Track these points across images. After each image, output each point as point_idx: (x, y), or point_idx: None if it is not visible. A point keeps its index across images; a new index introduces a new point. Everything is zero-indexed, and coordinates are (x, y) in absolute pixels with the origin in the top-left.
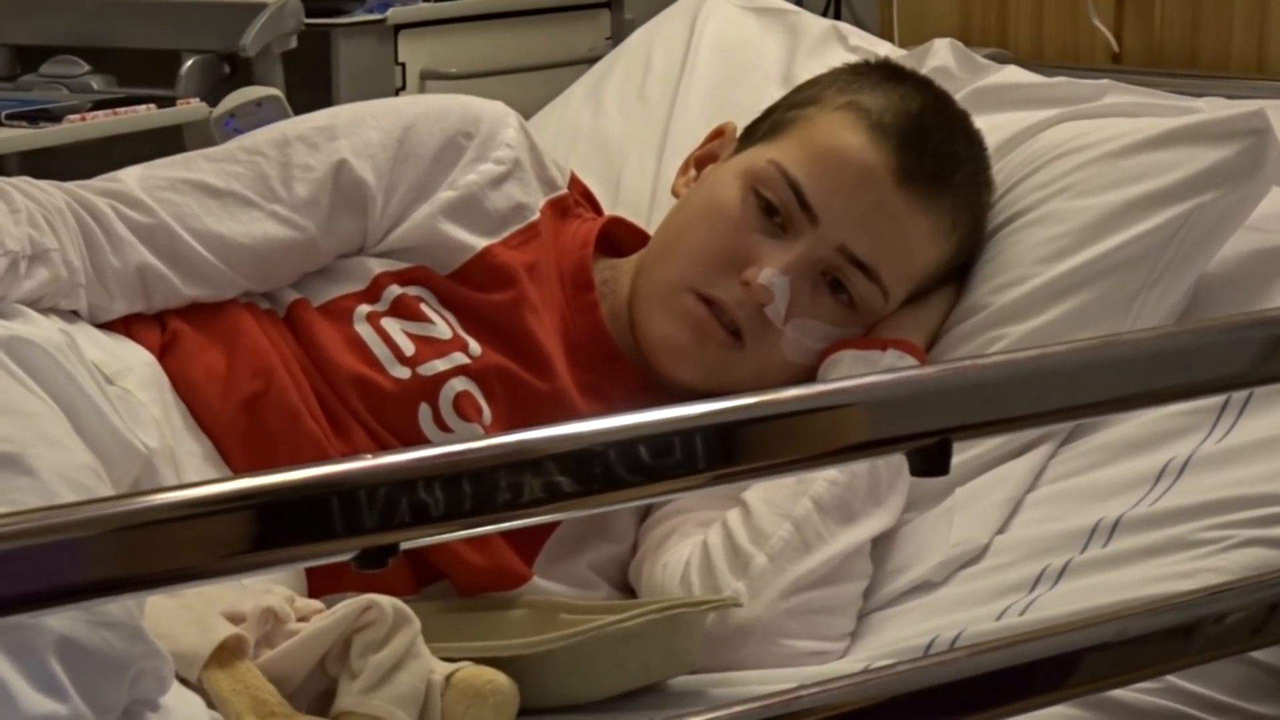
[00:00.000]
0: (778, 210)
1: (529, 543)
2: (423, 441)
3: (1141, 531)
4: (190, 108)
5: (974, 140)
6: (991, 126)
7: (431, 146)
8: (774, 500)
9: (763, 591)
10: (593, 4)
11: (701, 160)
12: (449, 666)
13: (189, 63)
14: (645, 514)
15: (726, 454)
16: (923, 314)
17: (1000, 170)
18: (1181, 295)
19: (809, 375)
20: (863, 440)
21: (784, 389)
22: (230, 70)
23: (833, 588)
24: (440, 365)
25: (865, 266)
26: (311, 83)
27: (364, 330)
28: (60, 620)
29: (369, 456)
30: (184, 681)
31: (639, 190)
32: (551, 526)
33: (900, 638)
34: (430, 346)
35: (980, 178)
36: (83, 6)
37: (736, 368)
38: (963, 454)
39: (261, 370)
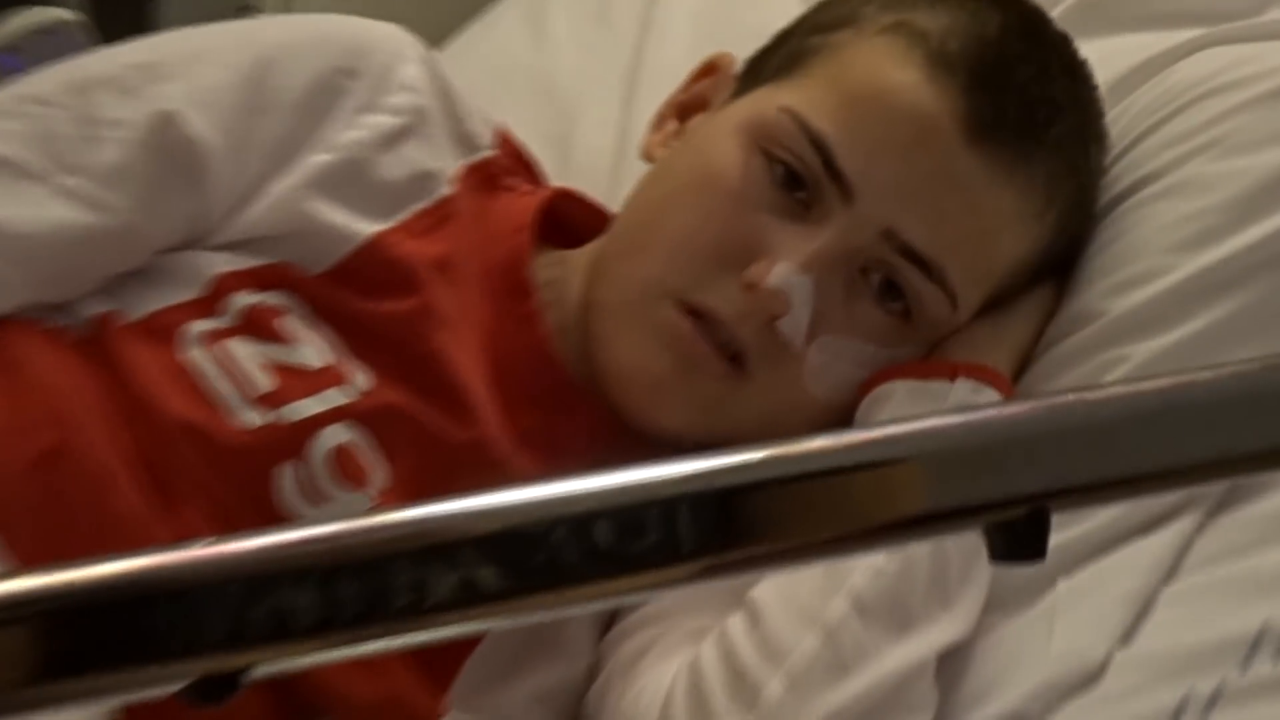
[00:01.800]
0: (797, 180)
1: (442, 663)
2: (286, 518)
3: None
4: None
5: (1078, 76)
6: (1104, 56)
7: (297, 90)
8: (795, 599)
9: None
10: None
11: (686, 108)
12: None
13: None
14: (609, 622)
15: (725, 533)
16: (1007, 327)
17: (1117, 120)
18: None
19: (844, 417)
20: (922, 511)
21: (807, 438)
22: None
23: None
24: (311, 406)
25: (923, 260)
26: (126, 2)
27: (199, 357)
28: None
29: (208, 541)
30: None
31: (598, 151)
32: (474, 640)
33: None
34: (296, 379)
35: (1088, 130)
36: None
37: (738, 407)
38: (1067, 530)
39: (53, 417)
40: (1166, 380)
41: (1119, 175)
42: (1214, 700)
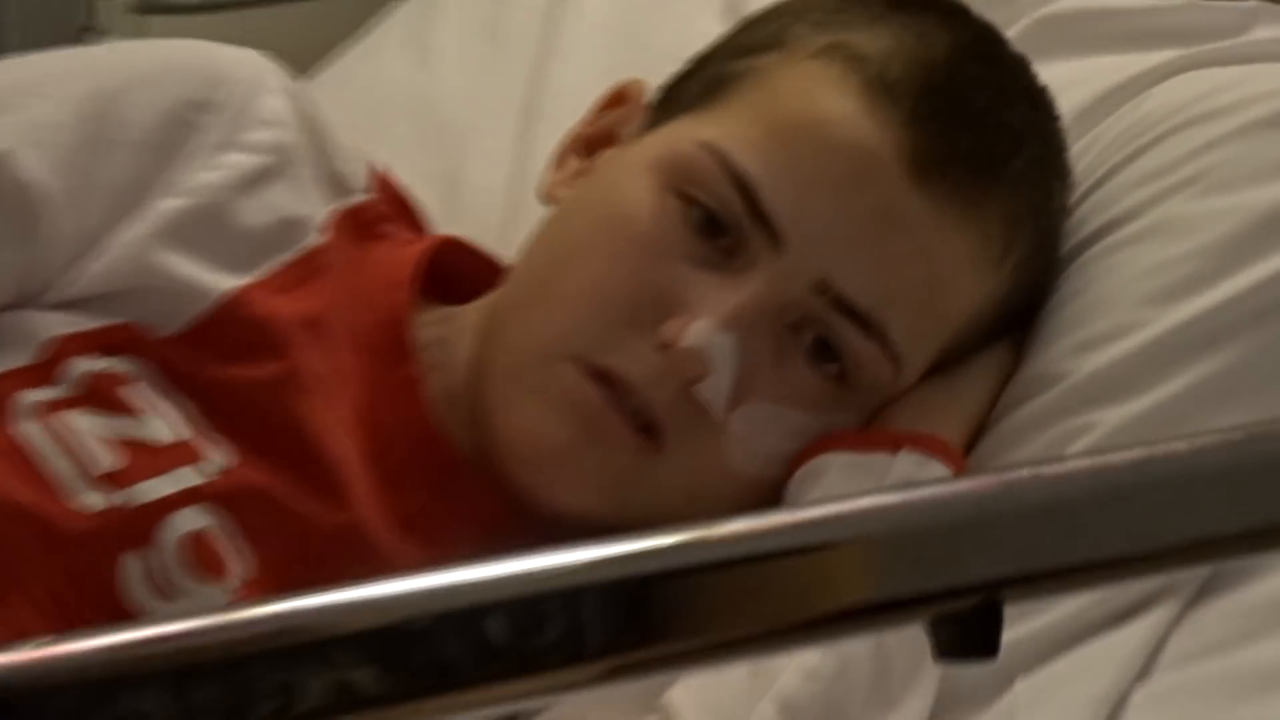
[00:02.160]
0: (718, 225)
1: None
2: (133, 614)
3: None
4: None
5: (1038, 104)
6: (1068, 80)
7: (143, 126)
8: (715, 704)
9: None
10: None
11: (592, 142)
12: None
13: None
14: None
15: (636, 628)
16: (958, 392)
17: (1084, 153)
18: None
19: (773, 495)
20: (860, 602)
21: (730, 519)
22: None
23: None
24: (160, 487)
25: (861, 315)
26: None
27: (32, 432)
28: None
29: (41, 643)
30: None
31: (490, 192)
32: None
33: None
34: (144, 456)
35: (1049, 166)
36: None
37: (651, 484)
38: (1024, 623)
39: None
40: (1138, 452)
41: (1086, 216)
42: None
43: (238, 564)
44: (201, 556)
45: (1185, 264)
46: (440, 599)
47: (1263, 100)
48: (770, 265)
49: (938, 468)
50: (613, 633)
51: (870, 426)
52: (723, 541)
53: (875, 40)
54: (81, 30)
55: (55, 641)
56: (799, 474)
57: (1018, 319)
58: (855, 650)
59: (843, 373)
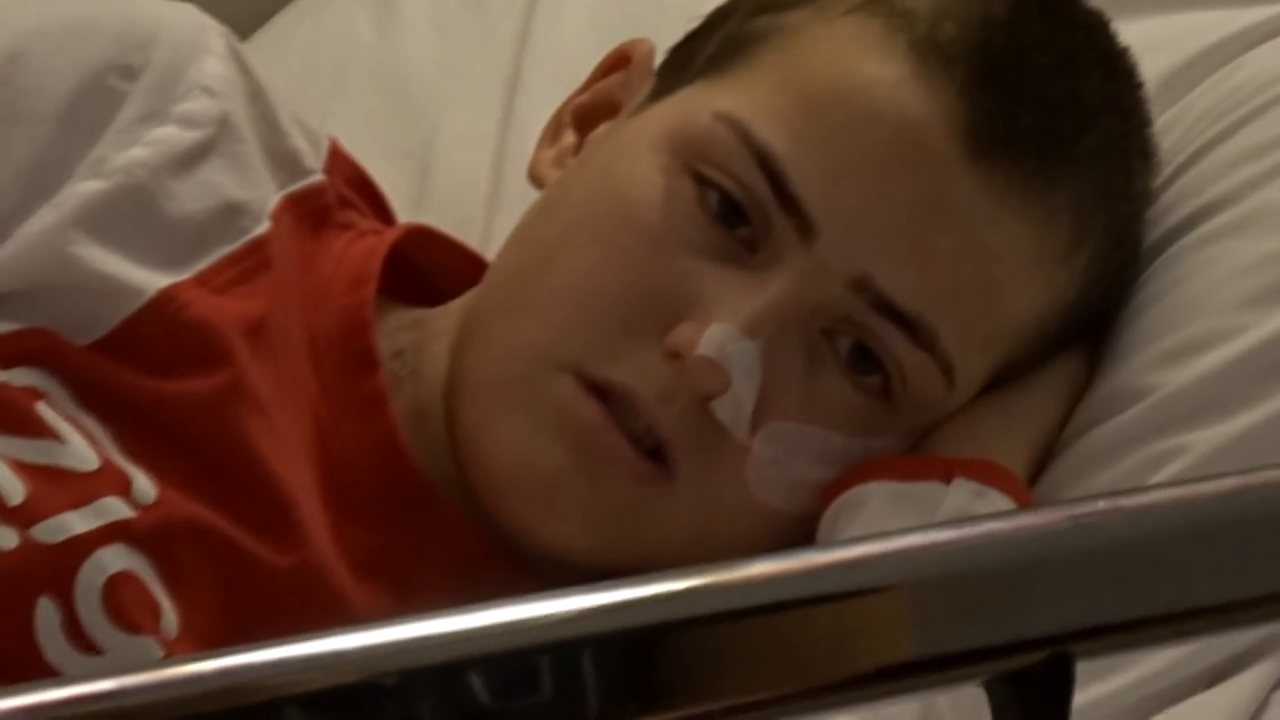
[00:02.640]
0: (738, 211)
1: None
2: (45, 670)
3: None
4: None
5: (1116, 71)
6: (1152, 42)
7: (58, 95)
8: None
9: None
10: None
11: (589, 113)
12: None
13: None
14: None
15: (642, 688)
16: (1021, 410)
17: (1170, 128)
18: None
19: (803, 531)
20: (905, 658)
21: (753, 560)
22: None
23: None
24: (81, 522)
25: (907, 318)
26: None
27: None
28: None
29: None
30: None
31: (468, 173)
32: None
33: None
34: (57, 486)
35: (1129, 143)
36: None
37: (660, 519)
38: (1100, 683)
39: None
40: (1235, 481)
41: (1172, 203)
42: None
43: (172, 612)
44: (126, 603)
45: None
46: (411, 653)
47: None
48: (799, 259)
49: (998, 499)
50: (615, 694)
51: (918, 451)
52: (744, 586)
53: None
54: None
55: None
56: (834, 506)
57: (1091, 325)
58: (900, 714)
59: (886, 387)
